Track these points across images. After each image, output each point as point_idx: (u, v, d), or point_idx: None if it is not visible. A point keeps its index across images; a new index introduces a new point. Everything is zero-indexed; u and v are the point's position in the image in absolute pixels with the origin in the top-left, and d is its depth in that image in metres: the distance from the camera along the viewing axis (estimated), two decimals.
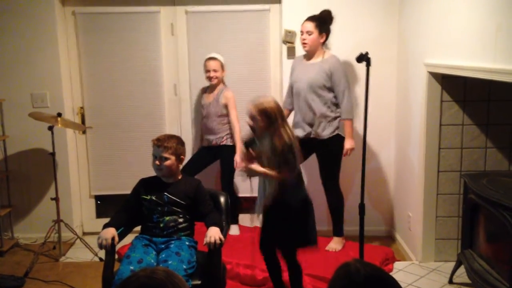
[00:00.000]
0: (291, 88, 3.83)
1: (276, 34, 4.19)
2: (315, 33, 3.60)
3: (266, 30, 4.20)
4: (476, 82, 3.31)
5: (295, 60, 3.90)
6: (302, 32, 3.65)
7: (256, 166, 2.81)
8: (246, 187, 4.23)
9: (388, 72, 4.11)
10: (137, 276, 1.29)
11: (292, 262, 2.95)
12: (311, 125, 3.67)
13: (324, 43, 3.71)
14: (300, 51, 3.95)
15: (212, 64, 3.86)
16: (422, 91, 3.51)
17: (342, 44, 4.00)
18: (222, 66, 3.91)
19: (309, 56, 3.73)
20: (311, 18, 3.64)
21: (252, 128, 2.85)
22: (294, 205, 2.84)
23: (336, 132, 3.66)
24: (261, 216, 2.94)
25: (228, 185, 3.98)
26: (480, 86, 3.40)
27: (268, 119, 2.75)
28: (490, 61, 2.55)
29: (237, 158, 3.83)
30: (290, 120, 3.82)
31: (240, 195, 4.27)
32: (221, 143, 3.94)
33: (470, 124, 3.48)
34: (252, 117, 2.80)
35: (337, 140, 3.66)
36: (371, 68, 2.98)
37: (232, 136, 3.96)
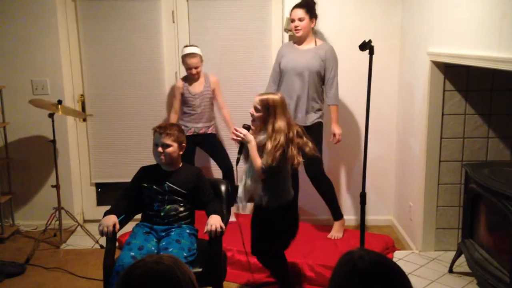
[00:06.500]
0: (277, 74, 3.79)
1: (277, 22, 4.16)
2: (306, 19, 3.65)
3: (268, 17, 4.16)
4: (479, 71, 3.29)
5: (284, 46, 3.87)
6: (293, 19, 3.68)
7: (252, 139, 2.75)
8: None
9: (391, 60, 4.08)
10: (144, 262, 1.29)
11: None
12: (295, 110, 3.65)
13: (313, 28, 3.74)
14: None
15: (194, 62, 3.79)
16: (424, 80, 3.49)
17: (345, 32, 3.97)
18: (201, 59, 3.85)
19: (300, 41, 3.73)
20: (299, 5, 3.69)
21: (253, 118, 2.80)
22: (273, 208, 2.80)
23: (319, 119, 3.70)
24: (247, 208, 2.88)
25: (231, 168, 3.92)
26: (483, 76, 3.38)
27: (267, 111, 2.72)
28: (495, 49, 2.52)
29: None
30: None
31: None
32: (208, 132, 3.94)
33: (472, 114, 3.46)
34: (255, 108, 2.77)
35: (319, 127, 3.69)
36: (373, 57, 2.96)
37: (215, 125, 4.02)
